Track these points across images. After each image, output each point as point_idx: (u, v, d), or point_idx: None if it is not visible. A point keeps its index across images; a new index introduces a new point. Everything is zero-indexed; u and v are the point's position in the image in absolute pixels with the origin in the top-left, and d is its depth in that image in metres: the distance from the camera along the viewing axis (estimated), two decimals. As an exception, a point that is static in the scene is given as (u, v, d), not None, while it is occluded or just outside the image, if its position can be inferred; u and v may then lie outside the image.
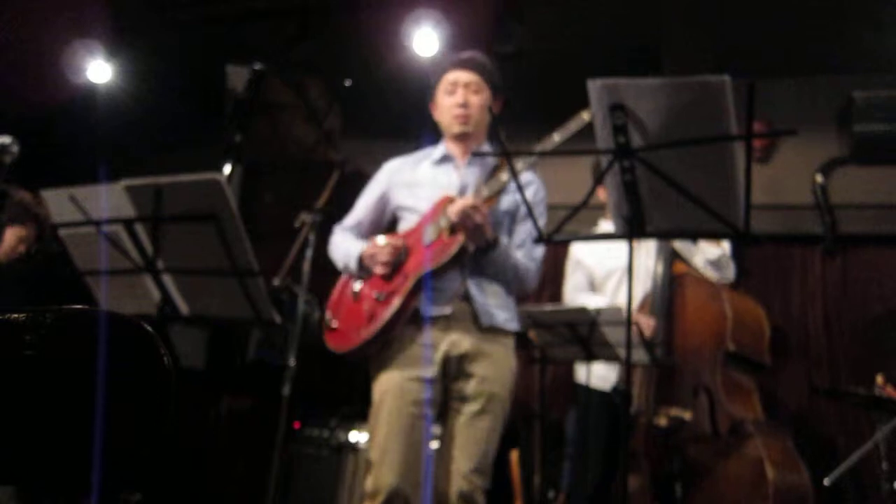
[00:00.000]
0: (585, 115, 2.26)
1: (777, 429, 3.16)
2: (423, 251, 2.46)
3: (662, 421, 2.99)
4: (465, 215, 2.36)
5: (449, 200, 2.49)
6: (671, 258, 3.38)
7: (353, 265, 2.61)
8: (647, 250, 3.44)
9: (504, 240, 2.52)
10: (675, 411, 3.01)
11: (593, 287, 3.55)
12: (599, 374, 3.40)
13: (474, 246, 2.44)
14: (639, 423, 3.16)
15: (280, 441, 3.07)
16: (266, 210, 5.14)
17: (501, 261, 2.48)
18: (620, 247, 3.40)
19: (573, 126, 2.31)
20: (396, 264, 2.50)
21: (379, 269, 2.51)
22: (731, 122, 1.77)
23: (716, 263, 3.44)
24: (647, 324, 3.19)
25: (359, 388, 3.77)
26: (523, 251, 2.56)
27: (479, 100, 2.60)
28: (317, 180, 3.73)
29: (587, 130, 1.97)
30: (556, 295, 4.51)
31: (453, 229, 2.43)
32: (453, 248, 2.41)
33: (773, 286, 4.14)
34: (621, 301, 3.39)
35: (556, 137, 2.32)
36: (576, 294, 3.55)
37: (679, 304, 3.30)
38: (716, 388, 3.08)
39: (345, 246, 2.66)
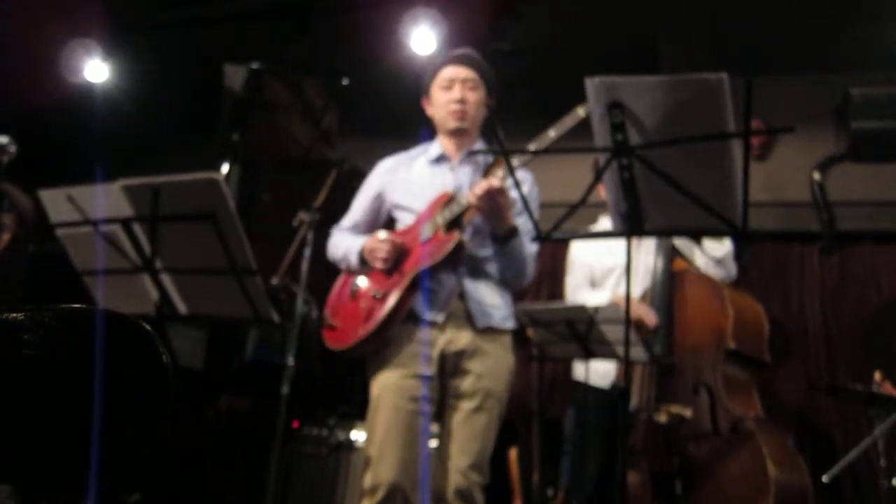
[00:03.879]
0: (581, 111, 2.26)
1: (778, 427, 3.15)
2: (420, 249, 2.46)
3: (662, 418, 2.99)
4: (489, 196, 2.33)
5: (447, 198, 2.49)
6: (671, 255, 3.37)
7: (354, 259, 2.61)
8: (648, 247, 3.44)
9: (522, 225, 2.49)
10: (675, 409, 3.00)
11: (593, 284, 3.55)
12: (599, 372, 3.40)
13: (494, 230, 2.42)
14: (639, 420, 3.16)
15: (279, 440, 3.07)
16: (264, 209, 5.13)
17: (517, 250, 2.46)
18: (620, 244, 3.41)
19: (569, 122, 2.30)
20: (395, 261, 2.50)
21: (378, 265, 2.51)
22: (728, 120, 1.77)
23: (721, 261, 3.45)
24: (647, 314, 3.18)
25: (357, 387, 3.76)
26: None
27: (475, 96, 2.58)
28: (315, 179, 3.73)
29: (585, 128, 1.97)
30: (555, 293, 4.52)
31: (449, 226, 2.43)
32: (449, 246, 2.40)
33: (770, 283, 4.14)
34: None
35: (552, 133, 2.31)
36: (576, 291, 3.54)
37: (679, 301, 3.28)
38: (716, 385, 3.06)
39: (345, 244, 2.67)
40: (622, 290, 3.39)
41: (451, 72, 2.59)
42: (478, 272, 2.50)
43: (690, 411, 3.00)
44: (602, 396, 3.39)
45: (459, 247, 2.41)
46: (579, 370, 3.52)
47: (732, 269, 3.55)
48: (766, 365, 3.26)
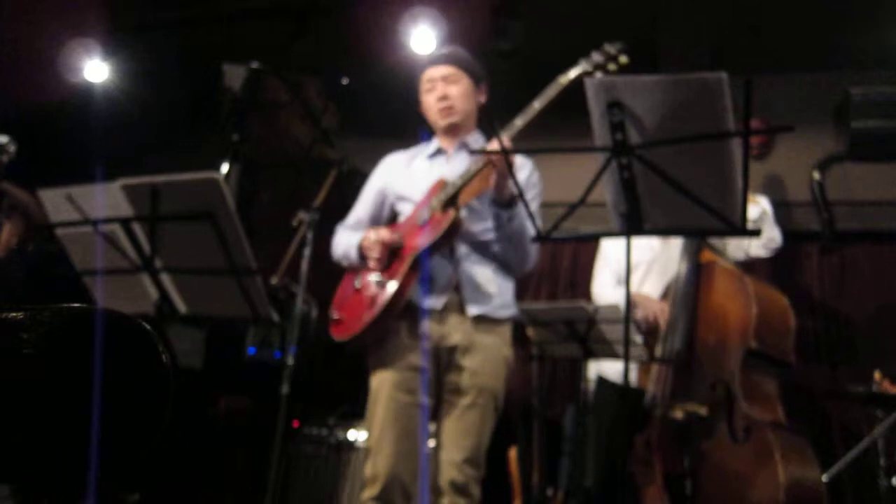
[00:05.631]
0: (562, 80, 2.36)
1: (795, 431, 3.06)
2: (418, 232, 2.48)
3: (678, 414, 2.94)
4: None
5: (442, 184, 2.52)
6: (699, 248, 3.33)
7: (353, 254, 2.64)
8: (677, 243, 3.41)
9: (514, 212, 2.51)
10: (691, 406, 2.94)
11: (619, 280, 3.53)
12: (617, 367, 3.38)
13: (497, 195, 2.39)
14: (653, 416, 3.12)
15: (279, 440, 3.07)
16: (263, 209, 5.14)
17: (519, 224, 2.46)
18: (647, 241, 3.42)
19: (551, 91, 2.38)
20: (392, 253, 2.52)
21: (372, 264, 2.54)
22: (728, 119, 1.77)
23: (756, 222, 3.39)
24: (663, 313, 3.16)
25: (357, 387, 3.77)
26: None
27: (458, 89, 2.62)
28: (314, 179, 3.73)
29: (586, 129, 1.96)
30: (554, 292, 4.53)
31: (445, 207, 2.45)
32: (445, 223, 2.42)
33: (770, 283, 4.13)
34: (645, 293, 3.38)
35: (537, 105, 2.39)
36: (603, 290, 3.51)
37: (703, 295, 3.20)
38: (734, 385, 2.98)
39: (345, 241, 2.70)
40: (646, 288, 3.39)
41: (429, 73, 2.66)
42: (475, 258, 2.52)
43: (706, 410, 2.94)
44: (620, 391, 3.37)
45: (456, 224, 2.43)
46: (599, 365, 3.50)
47: (774, 233, 3.49)
48: (790, 365, 3.15)
